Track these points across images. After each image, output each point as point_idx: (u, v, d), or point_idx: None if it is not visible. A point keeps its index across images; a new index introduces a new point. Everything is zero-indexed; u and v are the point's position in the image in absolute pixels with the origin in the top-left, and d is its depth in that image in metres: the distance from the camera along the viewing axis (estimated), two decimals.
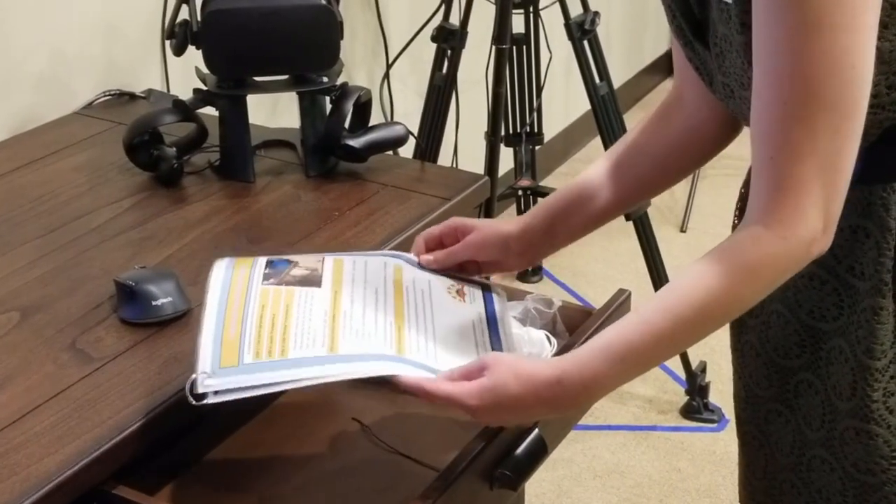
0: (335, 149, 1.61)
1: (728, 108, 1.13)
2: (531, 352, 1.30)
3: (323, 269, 1.23)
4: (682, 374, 2.54)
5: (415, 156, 2.40)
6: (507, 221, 1.31)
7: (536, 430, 1.20)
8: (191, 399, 1.05)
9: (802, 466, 1.18)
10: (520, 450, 1.19)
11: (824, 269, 1.06)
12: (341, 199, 1.57)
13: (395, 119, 2.63)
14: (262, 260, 1.23)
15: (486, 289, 1.32)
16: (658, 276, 2.48)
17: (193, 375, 1.06)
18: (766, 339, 1.20)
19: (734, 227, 1.26)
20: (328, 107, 1.65)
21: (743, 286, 1.00)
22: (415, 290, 1.24)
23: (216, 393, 1.05)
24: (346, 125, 1.65)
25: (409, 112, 2.61)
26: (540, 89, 2.70)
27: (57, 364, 1.21)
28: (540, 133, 2.77)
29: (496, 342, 1.24)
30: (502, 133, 2.72)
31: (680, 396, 2.59)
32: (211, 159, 1.68)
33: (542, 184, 2.83)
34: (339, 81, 1.65)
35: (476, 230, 1.29)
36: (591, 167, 1.31)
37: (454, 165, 2.51)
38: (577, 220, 1.28)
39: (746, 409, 1.25)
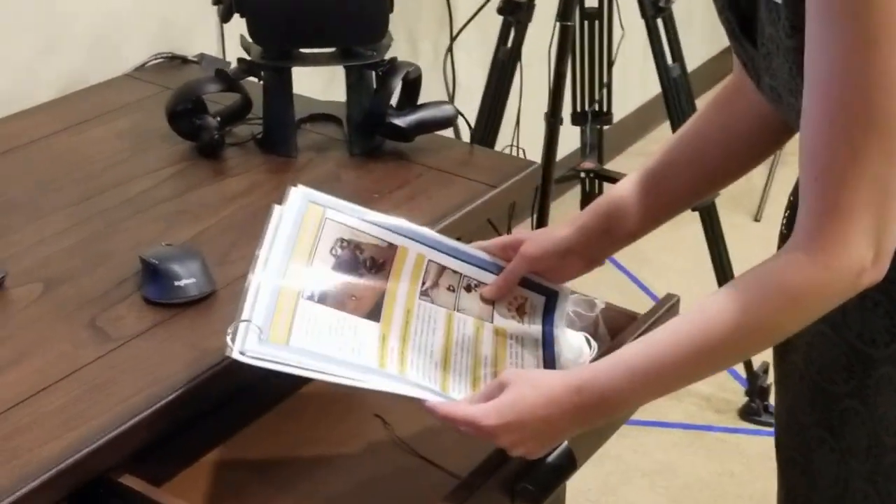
0: (380, 127, 1.55)
1: (776, 111, 1.04)
2: (568, 358, 1.23)
3: (391, 268, 1.18)
4: (743, 374, 2.45)
5: (472, 136, 2.34)
6: (561, 225, 1.24)
7: (566, 443, 1.14)
8: (229, 342, 1.01)
9: (846, 499, 1.10)
10: (546, 463, 1.12)
11: (878, 289, 0.98)
12: (383, 180, 1.51)
13: (458, 92, 2.56)
14: (333, 226, 1.18)
15: (551, 296, 1.26)
16: (723, 271, 2.38)
17: (244, 322, 1.02)
18: (811, 361, 1.12)
19: (781, 237, 1.18)
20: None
21: (780, 314, 0.93)
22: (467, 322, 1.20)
23: (253, 357, 1.01)
24: (395, 102, 1.59)
25: (473, 86, 2.53)
26: (610, 67, 2.61)
27: (74, 342, 1.17)
28: (609, 113, 2.67)
29: (548, 367, 1.18)
30: (571, 110, 2.64)
31: (739, 396, 2.49)
32: (254, 132, 1.62)
33: (608, 167, 2.73)
34: (390, 55, 1.58)
35: (529, 240, 1.23)
36: (651, 158, 1.23)
37: (514, 143, 2.42)
38: (636, 215, 1.21)
39: (788, 433, 1.18)
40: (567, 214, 3.03)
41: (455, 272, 1.22)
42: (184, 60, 1.92)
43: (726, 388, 2.52)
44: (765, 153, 1.19)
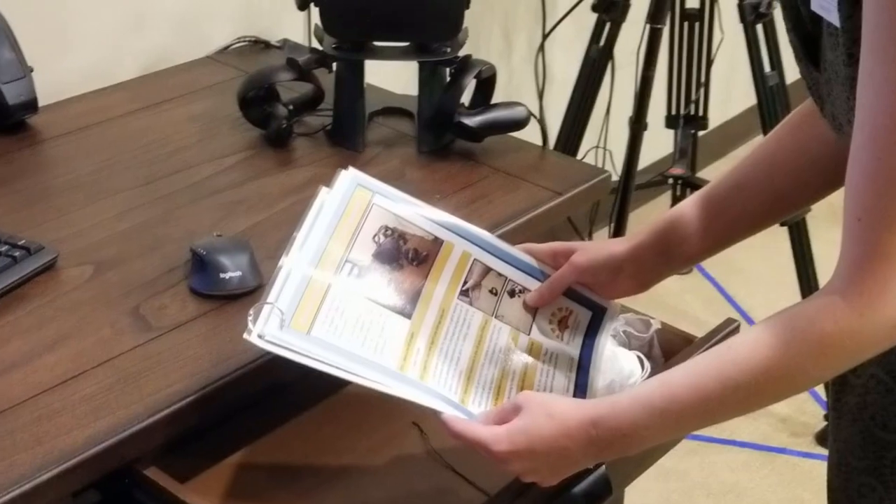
0: (449, 125, 1.52)
1: (838, 140, 0.98)
2: (613, 380, 1.19)
3: (433, 263, 1.15)
4: (824, 396, 2.37)
5: (559, 134, 2.29)
6: (617, 241, 1.20)
7: (603, 468, 1.10)
8: (250, 324, 1.00)
9: None
10: (579, 487, 1.08)
11: None
12: (447, 181, 1.48)
13: (552, 87, 2.51)
14: (379, 212, 1.16)
15: (598, 313, 1.21)
16: (810, 290, 2.30)
17: (267, 305, 1.01)
18: (864, 406, 1.06)
19: None
20: None
21: (808, 361, 0.87)
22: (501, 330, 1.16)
23: (270, 343, 1.00)
24: (467, 101, 1.56)
25: (568, 81, 2.48)
26: (709, 69, 2.53)
27: (114, 329, 1.17)
28: (704, 118, 2.59)
29: (578, 394, 1.14)
30: (665, 113, 2.58)
31: (818, 420, 2.41)
32: (325, 123, 1.61)
33: (701, 175, 2.66)
34: (472, 49, 1.55)
35: (581, 250, 1.19)
36: (717, 179, 1.18)
37: (601, 145, 2.37)
38: (697, 239, 1.16)
39: (839, 476, 1.12)
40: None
41: (500, 275, 1.18)
42: (266, 45, 1.92)
43: (805, 410, 2.44)
44: (837, 183, 1.13)
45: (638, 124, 2.18)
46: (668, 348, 1.27)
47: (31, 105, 1.58)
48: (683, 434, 0.95)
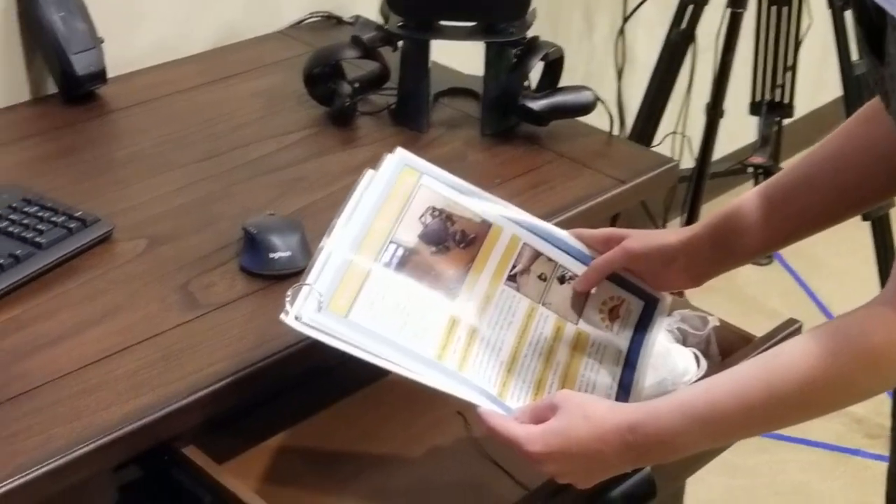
0: (513, 108, 1.49)
1: None
2: (665, 378, 1.15)
3: (481, 246, 1.13)
4: None
5: (637, 118, 2.24)
6: (673, 231, 1.16)
7: (647, 468, 1.06)
8: (287, 305, 0.99)
9: None
10: (622, 488, 1.05)
11: None
12: (509, 165, 1.45)
13: (633, 69, 2.46)
14: (427, 193, 1.14)
15: (651, 304, 1.18)
16: None
17: (305, 286, 1.00)
18: None
19: None
20: None
21: (857, 372, 0.83)
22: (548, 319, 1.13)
23: (307, 325, 0.99)
24: (534, 84, 1.52)
25: (648, 63, 2.42)
26: (796, 54, 2.45)
27: (163, 304, 1.17)
28: (790, 105, 2.51)
29: (622, 398, 1.10)
30: (750, 99, 2.51)
31: None
32: (390, 102, 1.59)
33: (783, 165, 2.58)
34: (532, 33, 1.51)
35: (634, 237, 1.15)
36: (782, 173, 1.13)
37: (678, 131, 2.31)
38: (757, 234, 1.11)
39: None
40: None
41: (550, 260, 1.15)
42: (339, 21, 1.90)
43: (882, 411, 2.35)
44: None
45: (714, 111, 2.12)
46: (725, 347, 1.24)
47: (99, 76, 1.59)
48: (725, 444, 0.91)
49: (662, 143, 2.26)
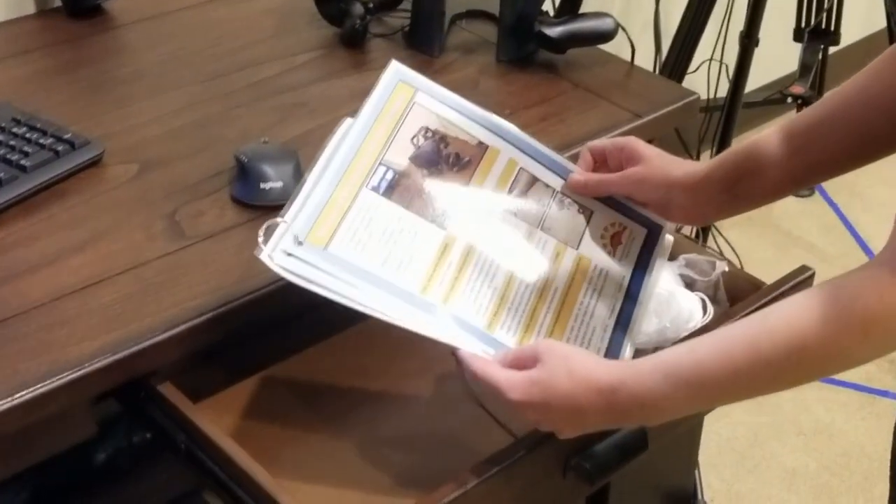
0: (529, 34, 1.42)
1: None
2: (666, 326, 1.10)
3: (476, 169, 1.08)
4: None
5: (671, 47, 2.15)
6: (685, 165, 1.10)
7: None
8: (261, 242, 0.95)
9: None
10: (612, 439, 1.01)
11: None
12: (520, 94, 1.39)
13: None
14: (421, 111, 1.09)
15: (654, 231, 1.13)
16: None
17: (280, 222, 0.96)
18: None
19: None
20: None
21: (848, 339, 0.78)
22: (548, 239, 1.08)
23: (279, 266, 0.94)
24: (552, 10, 1.45)
25: None
26: None
27: (147, 233, 1.13)
28: (836, 32, 2.40)
29: (619, 335, 1.06)
30: (794, 25, 2.40)
31: None
32: (404, 23, 1.52)
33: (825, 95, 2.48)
34: None
35: (643, 163, 1.10)
36: (803, 112, 1.07)
37: (715, 56, 2.21)
38: (775, 175, 1.05)
39: None
40: None
41: (548, 186, 1.10)
42: None
43: None
44: None
45: (749, 39, 2.02)
46: (734, 293, 1.18)
47: None
48: (710, 407, 0.87)
49: (698, 71, 2.18)
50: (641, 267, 1.12)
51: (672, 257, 1.18)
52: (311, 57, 1.47)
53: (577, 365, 0.88)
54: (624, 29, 1.43)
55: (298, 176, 1.18)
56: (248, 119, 1.33)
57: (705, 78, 2.21)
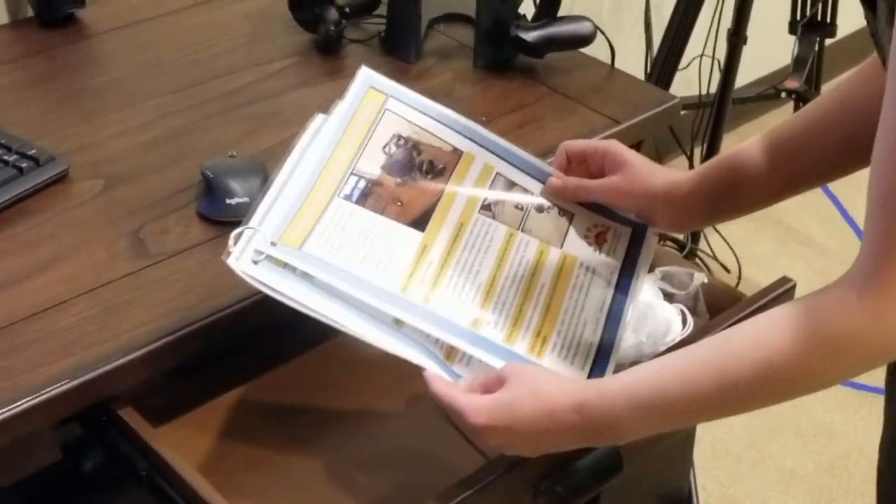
0: (505, 39, 1.39)
1: None
2: (642, 341, 1.07)
3: (451, 176, 1.05)
4: None
5: (663, 40, 2.11)
6: (667, 175, 1.07)
7: None
8: (230, 246, 0.92)
9: None
10: (586, 460, 0.98)
11: None
12: (498, 101, 1.36)
13: None
14: (392, 119, 1.06)
15: (639, 230, 1.10)
16: None
17: (250, 228, 0.93)
18: None
19: None
20: None
21: (816, 362, 0.75)
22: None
23: (248, 275, 0.92)
24: (530, 14, 1.42)
25: None
26: None
27: (110, 253, 1.11)
28: (832, 24, 2.36)
29: (612, 325, 1.03)
30: (790, 17, 2.36)
31: None
32: (381, 29, 1.49)
33: (822, 89, 2.44)
34: None
35: (624, 170, 1.06)
36: (786, 121, 1.04)
37: (707, 52, 2.17)
38: (757, 188, 1.03)
39: (891, 465, 0.99)
40: None
41: (527, 191, 1.08)
42: None
43: None
44: None
45: (736, 37, 1.98)
46: (713, 306, 1.15)
47: None
48: (687, 425, 0.84)
49: (689, 67, 2.14)
50: (630, 262, 1.09)
51: (649, 269, 1.15)
52: (285, 64, 1.44)
53: (540, 386, 0.86)
54: (603, 32, 1.40)
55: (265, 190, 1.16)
56: (220, 130, 1.30)
57: (695, 73, 2.18)
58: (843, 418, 2.13)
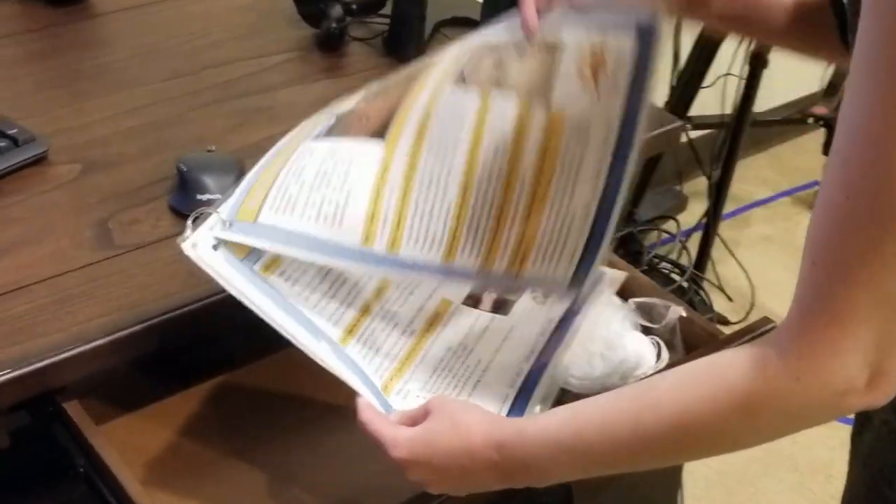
0: None
1: None
2: (609, 373, 1.04)
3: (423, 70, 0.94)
4: None
5: (688, 60, 2.07)
6: None
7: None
8: (188, 230, 0.89)
9: None
10: (535, 498, 0.95)
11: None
12: None
13: None
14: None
15: (645, 30, 0.88)
16: None
17: (210, 212, 0.90)
18: (874, 453, 0.90)
19: None
20: None
21: (733, 420, 0.72)
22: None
23: (202, 259, 0.89)
24: None
25: None
26: None
27: (74, 241, 1.09)
28: None
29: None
30: None
31: None
32: (385, 29, 1.46)
33: None
34: None
35: None
36: None
37: (732, 72, 2.12)
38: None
39: None
40: (789, 165, 2.68)
41: (499, 41, 0.92)
42: None
43: None
44: None
45: (757, 59, 1.93)
46: (690, 341, 1.11)
47: None
48: (609, 472, 0.80)
49: (714, 85, 2.09)
50: (634, 96, 0.89)
51: (623, 299, 1.11)
52: (284, 58, 1.42)
53: (462, 421, 0.82)
54: None
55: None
56: (205, 122, 1.28)
57: (720, 93, 2.13)
58: (843, 457, 2.06)
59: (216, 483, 0.98)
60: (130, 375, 1.07)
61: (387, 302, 0.98)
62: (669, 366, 1.06)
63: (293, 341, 0.90)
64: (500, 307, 1.01)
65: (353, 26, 1.46)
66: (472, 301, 1.00)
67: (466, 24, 1.49)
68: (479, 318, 1.00)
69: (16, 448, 1.03)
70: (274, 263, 0.93)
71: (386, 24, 1.46)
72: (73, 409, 0.98)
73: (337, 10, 1.43)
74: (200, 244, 0.90)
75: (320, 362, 0.90)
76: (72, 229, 1.10)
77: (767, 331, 1.08)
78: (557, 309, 1.01)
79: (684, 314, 1.11)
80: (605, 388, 1.03)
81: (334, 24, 1.41)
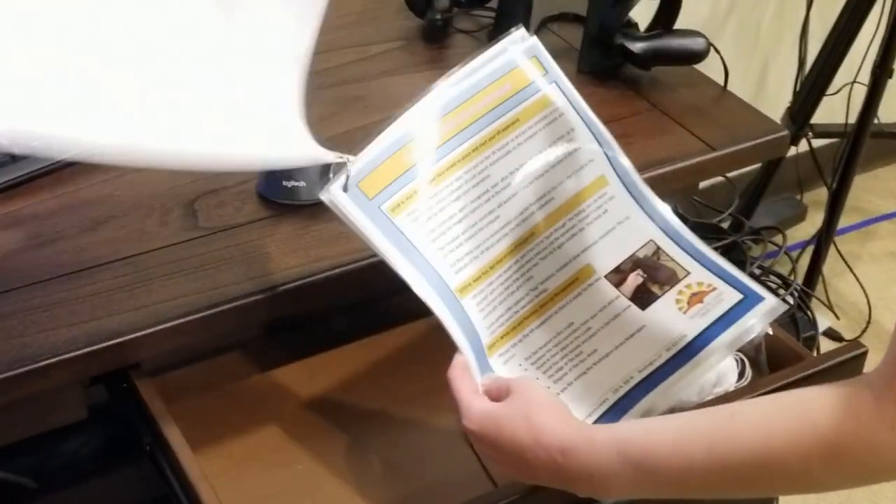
0: (610, 46, 1.32)
1: None
2: (687, 386, 1.00)
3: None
4: None
5: (812, 66, 1.99)
6: None
7: None
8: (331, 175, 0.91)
9: None
10: None
11: None
12: (592, 110, 1.29)
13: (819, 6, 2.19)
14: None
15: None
16: None
17: (347, 160, 0.92)
18: None
19: None
20: None
21: (814, 460, 0.68)
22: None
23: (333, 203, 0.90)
24: (646, 22, 1.35)
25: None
26: None
27: (160, 220, 1.10)
28: None
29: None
30: None
31: None
32: (491, 22, 1.45)
33: None
34: None
35: None
36: None
37: (858, 80, 2.03)
38: None
39: None
40: None
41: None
42: None
43: None
44: None
45: (881, 69, 1.84)
46: (775, 361, 1.07)
47: None
48: (677, 496, 0.77)
49: (839, 93, 2.02)
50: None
51: None
52: (386, 48, 1.41)
53: (537, 415, 0.81)
54: (717, 50, 1.32)
55: (325, 176, 1.13)
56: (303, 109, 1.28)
57: (844, 101, 2.05)
58: (871, 488, 1.98)
59: (278, 469, 0.99)
60: (209, 356, 1.08)
61: (529, 251, 0.96)
62: (750, 386, 1.03)
63: (410, 287, 0.88)
64: (642, 296, 0.97)
65: (458, 18, 1.44)
66: (617, 278, 0.97)
67: (575, 20, 1.46)
68: (615, 301, 0.96)
69: (92, 422, 1.05)
70: (404, 203, 0.92)
71: (492, 17, 1.44)
72: (144, 386, 0.99)
73: (443, 2, 1.41)
74: (333, 187, 0.90)
75: (430, 308, 0.88)
76: (159, 210, 1.11)
77: (860, 354, 1.04)
78: (695, 324, 0.96)
79: (771, 332, 1.07)
80: (679, 402, 1.00)
81: (439, 16, 1.40)
